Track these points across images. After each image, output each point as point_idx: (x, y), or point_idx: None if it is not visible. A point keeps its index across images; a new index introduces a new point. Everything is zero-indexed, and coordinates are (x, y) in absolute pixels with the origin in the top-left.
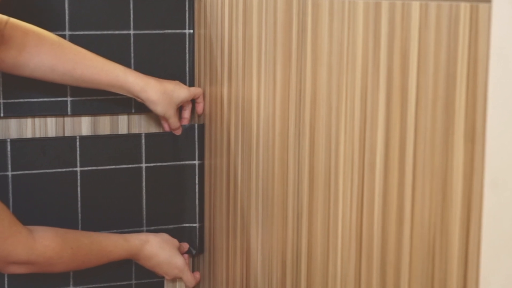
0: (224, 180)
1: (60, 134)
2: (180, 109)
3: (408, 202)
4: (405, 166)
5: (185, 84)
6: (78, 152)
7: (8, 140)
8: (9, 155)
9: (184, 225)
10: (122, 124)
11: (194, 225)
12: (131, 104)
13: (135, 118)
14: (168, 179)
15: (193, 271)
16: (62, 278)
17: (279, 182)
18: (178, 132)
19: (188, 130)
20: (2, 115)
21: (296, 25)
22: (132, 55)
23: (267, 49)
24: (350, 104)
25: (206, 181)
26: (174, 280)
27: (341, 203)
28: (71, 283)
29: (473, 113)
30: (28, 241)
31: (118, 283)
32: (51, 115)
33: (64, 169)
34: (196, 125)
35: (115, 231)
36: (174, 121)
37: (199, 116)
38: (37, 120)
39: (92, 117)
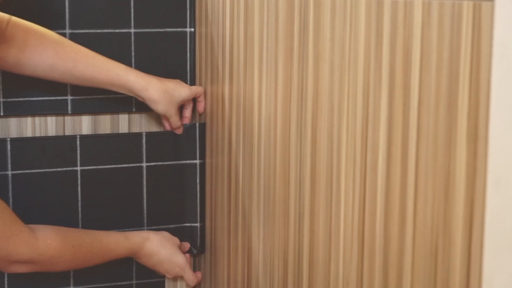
0: (225, 179)
1: (61, 133)
2: (181, 108)
3: (410, 201)
4: (407, 165)
5: (186, 83)
6: (78, 151)
7: (8, 139)
8: (9, 154)
9: (185, 224)
10: (123, 123)
11: (195, 224)
12: (131, 103)
13: (136, 117)
14: (169, 179)
15: (194, 270)
16: (62, 278)
17: (280, 181)
18: (179, 131)
19: (189, 129)
20: (2, 114)
21: (298, 23)
22: (133, 53)
23: (268, 47)
24: (352, 103)
25: (207, 180)
26: (175, 279)
27: (343, 202)
28: (71, 283)
29: (476, 112)
30: (30, 240)
31: (119, 283)
32: (51, 114)
33: (64, 168)
34: (197, 124)
35: (116, 230)
36: (175, 120)
37: (200, 115)
38: (37, 119)
39: (93, 116)
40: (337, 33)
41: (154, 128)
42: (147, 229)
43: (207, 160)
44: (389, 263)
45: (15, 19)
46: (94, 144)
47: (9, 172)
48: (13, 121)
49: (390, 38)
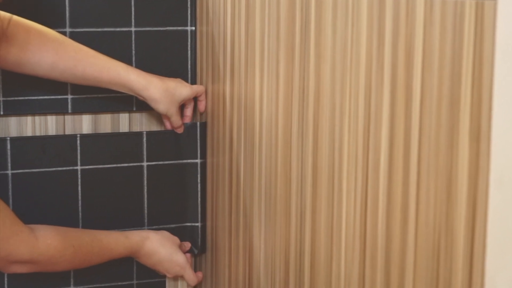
0: (226, 179)
1: (61, 132)
2: (182, 107)
3: (412, 201)
4: (409, 164)
5: (187, 82)
6: (78, 151)
7: (8, 138)
8: (9, 154)
9: (186, 224)
10: (123, 122)
11: (196, 224)
12: (132, 102)
13: (137, 116)
14: (169, 178)
15: (195, 270)
16: (62, 278)
17: (282, 180)
18: (180, 131)
19: (190, 128)
20: (2, 113)
21: (300, 22)
22: (134, 52)
23: (270, 46)
24: (354, 102)
25: (208, 179)
26: (176, 279)
27: (345, 201)
28: (72, 283)
29: (478, 111)
30: (30, 240)
31: (120, 283)
32: (51, 113)
33: (64, 168)
34: (198, 123)
35: (116, 230)
36: (176, 119)
37: (201, 114)
38: (37, 118)
39: (93, 115)
40: (339, 31)
41: (155, 127)
42: (148, 229)
43: (208, 160)
44: (391, 262)
45: (16, 18)
46: (95, 143)
47: (9, 172)
48: (13, 120)
49: (392, 37)
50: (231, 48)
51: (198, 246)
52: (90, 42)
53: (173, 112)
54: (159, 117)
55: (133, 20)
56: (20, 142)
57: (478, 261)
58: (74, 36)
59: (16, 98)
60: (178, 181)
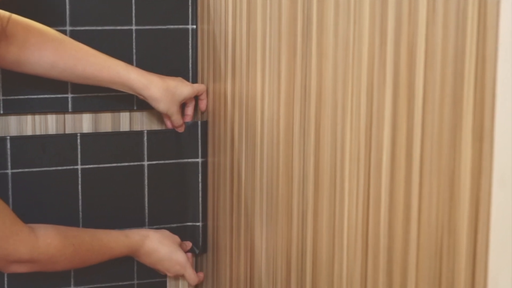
0: (227, 178)
1: (61, 131)
2: (183, 106)
3: (415, 201)
4: (412, 164)
5: (188, 80)
6: (79, 150)
7: (8, 137)
8: (8, 153)
9: (187, 223)
10: (124, 121)
11: (197, 224)
12: (133, 101)
13: (137, 115)
14: (170, 177)
15: (196, 270)
16: (62, 277)
17: (283, 180)
18: (181, 130)
19: (191, 127)
20: (1, 112)
21: (301, 20)
22: (134, 51)
23: (271, 45)
24: (356, 101)
25: (210, 179)
26: (177, 279)
27: (347, 201)
28: (72, 283)
29: (481, 110)
30: (30, 239)
31: (120, 283)
32: (51, 112)
33: (64, 167)
34: (199, 122)
35: (117, 229)
36: (177, 119)
37: (202, 113)
38: (37, 117)
39: (93, 114)
40: (341, 30)
41: (156, 126)
42: (149, 228)
43: (209, 159)
44: (394, 262)
45: (15, 17)
46: (95, 142)
47: (9, 171)
48: (13, 119)
49: (395, 35)
50: (232, 46)
51: (199, 245)
52: (90, 41)
53: (173, 111)
54: (160, 116)
55: (133, 19)
56: (20, 141)
57: (481, 260)
58: (74, 35)
59: (16, 97)
60: (179, 181)
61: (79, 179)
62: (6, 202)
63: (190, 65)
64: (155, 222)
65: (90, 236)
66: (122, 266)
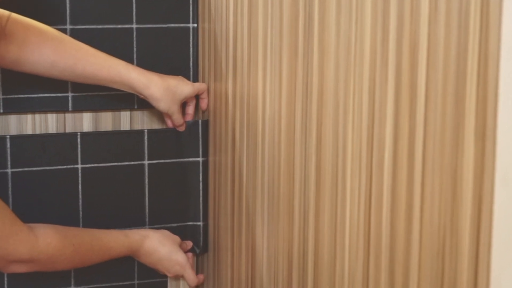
0: (228, 178)
1: (61, 131)
2: (184, 104)
3: (417, 200)
4: (414, 163)
5: (189, 79)
6: (79, 149)
7: (8, 136)
8: (8, 152)
9: (188, 223)
10: (124, 120)
11: (198, 223)
12: (133, 100)
13: (138, 114)
14: (171, 177)
15: (197, 270)
16: (63, 277)
17: (285, 179)
18: (182, 129)
19: (192, 126)
20: (1, 111)
21: (303, 18)
22: (135, 49)
23: (272, 43)
24: (358, 100)
25: (211, 178)
26: (177, 279)
27: (348, 200)
28: (72, 283)
29: (484, 109)
30: (30, 239)
31: (121, 283)
32: (51, 111)
33: (64, 166)
34: (200, 121)
35: (117, 229)
36: (177, 118)
37: (203, 112)
38: (37, 116)
39: (94, 113)
40: (343, 28)
41: (156, 125)
42: (149, 228)
43: (210, 158)
44: (396, 262)
45: (15, 15)
46: (95, 141)
47: (9, 170)
48: (12, 118)
49: (397, 34)
50: (234, 45)
51: (200, 245)
52: (91, 40)
53: (174, 110)
54: (160, 115)
55: (134, 17)
56: (20, 140)
57: (484, 260)
58: (74, 34)
59: (16, 96)
60: (180, 180)
61: (79, 179)
62: (6, 201)
63: (191, 64)
64: (156, 222)
65: (90, 236)
66: (123, 266)
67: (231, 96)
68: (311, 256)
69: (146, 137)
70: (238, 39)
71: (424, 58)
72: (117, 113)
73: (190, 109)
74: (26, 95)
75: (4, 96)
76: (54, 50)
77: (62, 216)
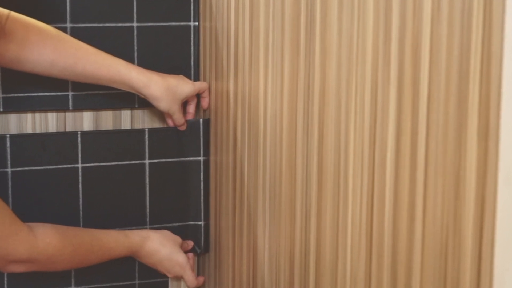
0: (230, 177)
1: (61, 130)
2: (185, 103)
3: (419, 200)
4: (416, 162)
5: (190, 78)
6: (79, 148)
7: (8, 135)
8: (8, 151)
9: (189, 223)
10: (125, 119)
11: (199, 223)
12: (134, 99)
13: (138, 113)
14: (172, 176)
15: (198, 269)
16: (63, 277)
17: (287, 179)
18: (183, 128)
19: (193, 125)
20: (1, 110)
21: (305, 17)
22: (136, 48)
23: (274, 42)
24: (360, 99)
25: (212, 178)
26: (178, 279)
27: (350, 200)
28: (73, 282)
29: (487, 109)
30: (29, 239)
31: (121, 283)
32: (52, 110)
33: (65, 166)
34: (201, 120)
35: (118, 229)
36: (178, 117)
37: (204, 110)
38: (37, 115)
39: (94, 112)
40: (345, 27)
41: (157, 124)
42: (150, 228)
43: (211, 157)
44: (398, 262)
45: (14, 14)
46: (96, 140)
47: (9, 169)
48: (12, 117)
49: (399, 33)
50: (235, 43)
51: (201, 245)
52: (91, 38)
53: (175, 110)
54: (161, 114)
55: (135, 15)
56: (20, 139)
57: (487, 260)
58: (75, 32)
59: (16, 95)
60: (181, 179)
61: (80, 178)
62: (6, 201)
63: (192, 63)
64: (157, 221)
65: (90, 236)
66: (124, 266)
67: (232, 95)
68: (313, 256)
69: (147, 136)
70: (240, 38)
71: (427, 58)
72: (117, 112)
73: (191, 108)
74: (26, 94)
75: (4, 95)
76: (54, 49)
77: (62, 215)
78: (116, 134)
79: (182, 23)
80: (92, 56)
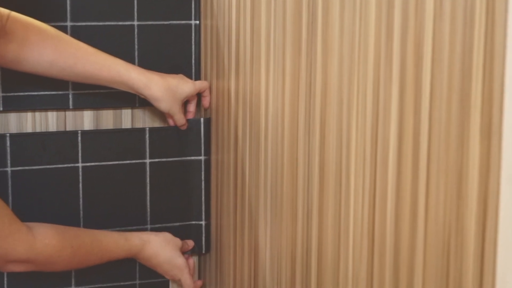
0: (231, 176)
1: (62, 129)
2: (185, 102)
3: (422, 198)
4: (419, 161)
5: (191, 77)
6: (80, 147)
7: (8, 134)
8: (8, 151)
9: (190, 222)
10: (126, 118)
11: (200, 222)
12: (135, 98)
13: (139, 112)
14: (173, 175)
15: (199, 269)
16: (63, 277)
17: (288, 178)
18: (184, 128)
19: (193, 124)
20: (1, 109)
21: (306, 15)
22: (136, 47)
23: (276, 41)
24: (362, 98)
25: (213, 177)
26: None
27: (352, 199)
28: (73, 282)
29: (490, 107)
30: (28, 239)
31: (122, 283)
32: (52, 109)
33: (65, 165)
34: (202, 119)
35: (118, 229)
36: (179, 117)
37: (205, 110)
38: (37, 114)
39: (95, 111)
40: (347, 25)
41: (158, 123)
42: (151, 227)
43: (213, 157)
44: (400, 262)
45: (14, 14)
46: (96, 140)
47: (9, 169)
48: (12, 116)
49: (401, 31)
50: (236, 42)
51: (202, 244)
52: (91, 37)
53: (176, 110)
54: (162, 113)
55: (135, 14)
56: (20, 138)
57: (489, 259)
58: (75, 30)
59: (16, 94)
60: (182, 179)
61: (80, 177)
62: (6, 200)
63: (193, 61)
64: (157, 221)
65: (90, 237)
66: (124, 266)
67: (233, 94)
68: (314, 255)
69: (147, 135)
70: (241, 36)
71: (429, 56)
72: (118, 111)
73: (192, 107)
74: (26, 93)
75: (4, 94)
76: (54, 49)
77: (63, 215)
78: (117, 133)
79: (183, 22)
80: (92, 57)
